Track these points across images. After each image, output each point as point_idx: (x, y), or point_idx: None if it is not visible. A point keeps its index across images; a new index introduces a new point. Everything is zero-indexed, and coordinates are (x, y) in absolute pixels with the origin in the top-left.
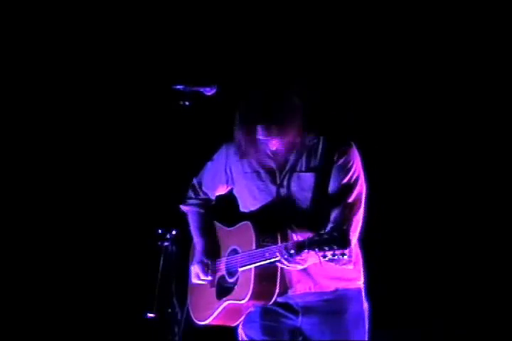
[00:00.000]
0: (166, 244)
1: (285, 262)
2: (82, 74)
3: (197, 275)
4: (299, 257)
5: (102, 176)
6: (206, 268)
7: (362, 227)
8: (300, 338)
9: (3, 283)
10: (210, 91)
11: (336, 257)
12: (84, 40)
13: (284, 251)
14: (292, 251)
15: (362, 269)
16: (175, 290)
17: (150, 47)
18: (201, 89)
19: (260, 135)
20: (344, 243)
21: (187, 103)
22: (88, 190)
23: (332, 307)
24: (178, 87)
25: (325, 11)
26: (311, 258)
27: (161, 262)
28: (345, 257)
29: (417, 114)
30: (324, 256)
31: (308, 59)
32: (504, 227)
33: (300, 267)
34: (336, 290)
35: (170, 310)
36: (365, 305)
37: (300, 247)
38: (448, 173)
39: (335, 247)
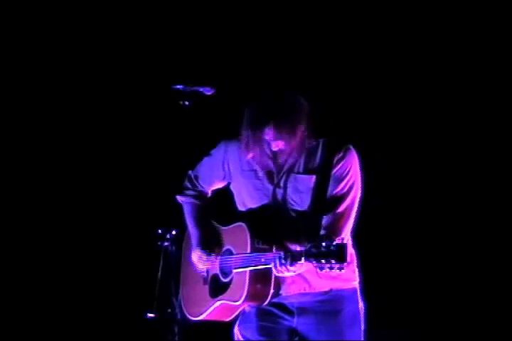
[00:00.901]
0: (166, 244)
1: (280, 268)
2: (83, 75)
3: (197, 263)
4: (293, 267)
5: (102, 176)
6: (204, 259)
7: (357, 227)
8: (296, 338)
9: (4, 283)
10: (209, 91)
11: (333, 270)
12: (84, 41)
13: (280, 260)
14: (288, 261)
15: (357, 269)
16: (175, 290)
17: (150, 47)
18: (201, 89)
19: (268, 136)
20: (342, 257)
21: (187, 103)
22: (88, 190)
23: (327, 308)
24: (178, 86)
25: (326, 12)
26: (304, 267)
27: (161, 262)
28: (343, 271)
29: (416, 115)
30: (321, 268)
31: (308, 62)
32: (502, 227)
33: (293, 274)
34: (331, 290)
35: (170, 310)
36: (361, 305)
37: (296, 258)
38: (443, 172)
39: (333, 261)
